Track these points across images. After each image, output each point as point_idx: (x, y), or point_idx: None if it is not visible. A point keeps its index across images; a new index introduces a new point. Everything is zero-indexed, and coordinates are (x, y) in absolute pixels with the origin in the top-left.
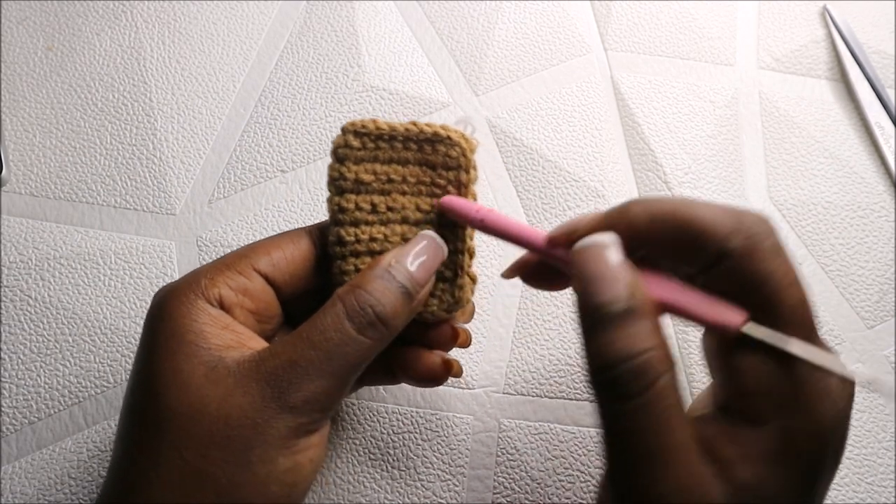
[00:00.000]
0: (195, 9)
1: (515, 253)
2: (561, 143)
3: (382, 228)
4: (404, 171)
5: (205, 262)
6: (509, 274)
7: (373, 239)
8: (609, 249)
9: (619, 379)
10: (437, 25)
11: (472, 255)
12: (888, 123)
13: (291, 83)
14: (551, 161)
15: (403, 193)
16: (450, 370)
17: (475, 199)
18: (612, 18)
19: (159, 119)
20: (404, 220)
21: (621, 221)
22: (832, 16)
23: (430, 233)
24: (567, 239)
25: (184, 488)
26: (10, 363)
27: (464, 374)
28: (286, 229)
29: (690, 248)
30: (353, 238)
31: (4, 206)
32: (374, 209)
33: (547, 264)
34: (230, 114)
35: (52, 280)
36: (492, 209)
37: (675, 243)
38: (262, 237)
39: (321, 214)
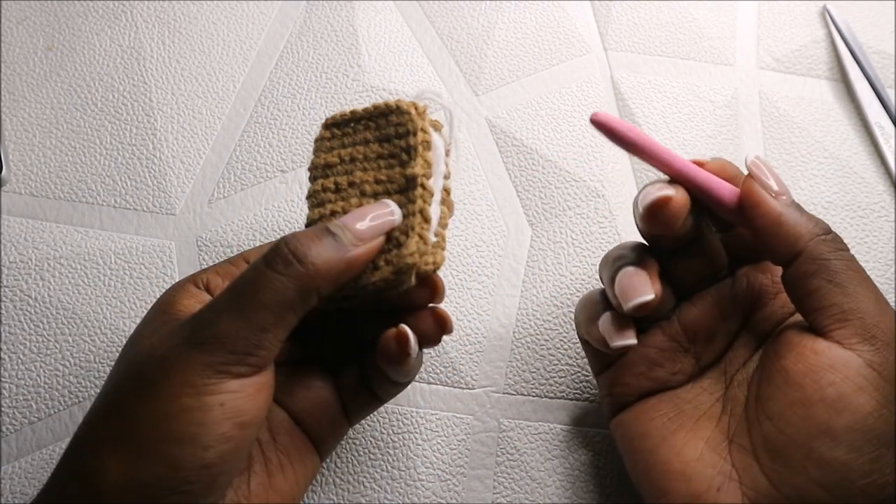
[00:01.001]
0: (195, 9)
1: (511, 255)
2: (561, 143)
3: (342, 203)
4: (365, 149)
5: (204, 262)
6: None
7: (333, 213)
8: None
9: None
10: (437, 25)
11: (427, 220)
12: (888, 123)
13: (291, 83)
14: (551, 161)
15: (364, 170)
16: (404, 343)
17: (429, 166)
18: (612, 18)
19: (159, 119)
20: (362, 194)
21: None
22: (832, 16)
23: (383, 200)
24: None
25: (102, 423)
26: (9, 363)
27: (463, 374)
28: (286, 229)
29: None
30: (317, 217)
31: (4, 206)
32: (336, 188)
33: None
34: (230, 114)
35: (51, 280)
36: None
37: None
38: (262, 237)
39: None
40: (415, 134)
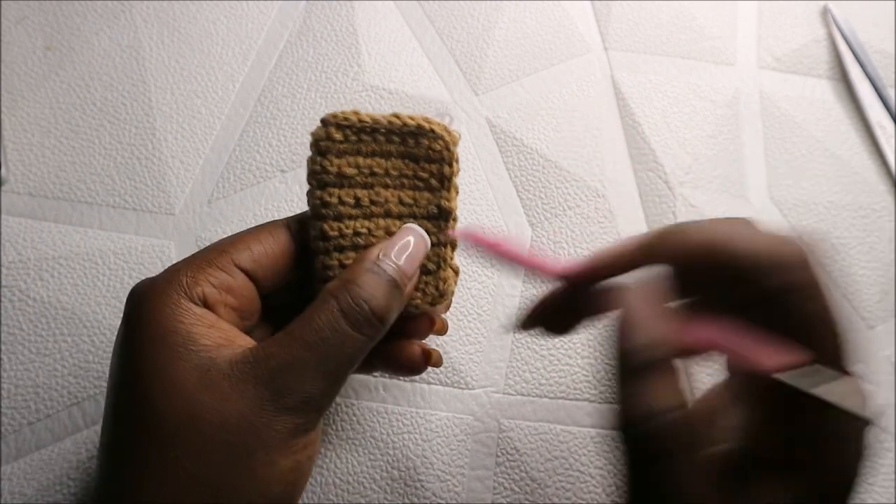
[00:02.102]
0: (194, 8)
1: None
2: (561, 142)
3: (366, 222)
4: (387, 164)
5: None
6: (529, 324)
7: (356, 233)
8: (644, 295)
9: (644, 435)
10: (437, 25)
11: (454, 248)
12: (889, 123)
13: (291, 83)
14: (551, 161)
15: (386, 187)
16: (429, 360)
17: (457, 193)
18: (613, 18)
19: (158, 119)
20: (387, 214)
21: (662, 251)
22: (833, 15)
23: (414, 226)
24: (592, 273)
25: (180, 493)
26: (8, 363)
27: (463, 374)
28: None
29: (729, 286)
30: (336, 233)
31: (3, 206)
32: (357, 203)
33: (564, 308)
34: (229, 113)
35: (50, 280)
36: (508, 241)
37: (713, 281)
38: None
39: None
40: (450, 164)
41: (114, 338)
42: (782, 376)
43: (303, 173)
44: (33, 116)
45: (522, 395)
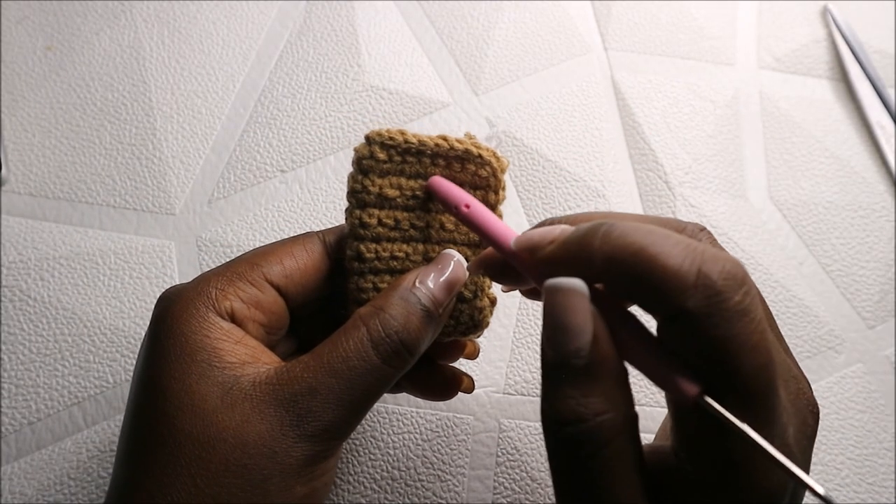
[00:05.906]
0: (195, 8)
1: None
2: (561, 143)
3: (404, 246)
4: None
5: (204, 262)
6: (475, 269)
7: (394, 257)
8: (576, 296)
9: (569, 438)
10: (437, 25)
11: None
12: (889, 123)
13: (291, 83)
14: (551, 161)
15: (428, 211)
16: (459, 386)
17: (501, 219)
18: (613, 18)
19: (159, 119)
20: (426, 239)
21: (581, 254)
22: (833, 15)
23: (454, 252)
24: (530, 255)
25: None
26: (9, 363)
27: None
28: (286, 229)
29: (649, 298)
30: (373, 255)
31: (4, 206)
32: (396, 226)
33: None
34: (230, 113)
35: (51, 280)
36: (476, 203)
37: (633, 291)
38: (262, 237)
39: (320, 214)
40: (496, 192)
41: (114, 337)
42: (708, 406)
43: (303, 173)
44: (33, 116)
45: (522, 395)
